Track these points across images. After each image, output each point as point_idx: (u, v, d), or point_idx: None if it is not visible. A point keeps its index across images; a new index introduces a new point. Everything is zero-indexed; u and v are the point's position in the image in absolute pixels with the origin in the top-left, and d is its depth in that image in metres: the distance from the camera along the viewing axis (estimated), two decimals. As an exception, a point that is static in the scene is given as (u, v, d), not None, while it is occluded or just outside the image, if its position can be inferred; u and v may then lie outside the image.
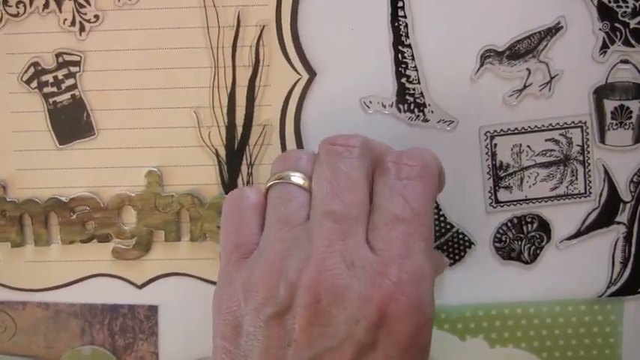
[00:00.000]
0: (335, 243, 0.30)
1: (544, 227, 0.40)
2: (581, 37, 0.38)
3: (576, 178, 0.39)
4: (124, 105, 0.39)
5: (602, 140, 0.39)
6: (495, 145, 0.39)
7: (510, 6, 0.37)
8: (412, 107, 0.38)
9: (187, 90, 0.38)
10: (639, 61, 0.38)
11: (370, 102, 0.38)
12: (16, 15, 0.38)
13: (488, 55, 0.38)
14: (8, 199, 0.40)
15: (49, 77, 0.38)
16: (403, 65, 0.38)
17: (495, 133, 0.39)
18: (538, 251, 0.40)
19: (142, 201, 0.40)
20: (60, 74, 0.38)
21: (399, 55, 0.38)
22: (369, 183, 0.32)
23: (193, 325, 0.41)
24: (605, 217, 0.40)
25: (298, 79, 0.38)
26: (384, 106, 0.39)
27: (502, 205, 0.40)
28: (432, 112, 0.38)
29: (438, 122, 0.39)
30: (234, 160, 0.39)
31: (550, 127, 0.39)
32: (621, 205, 0.40)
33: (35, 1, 0.38)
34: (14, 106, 0.39)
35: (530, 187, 0.39)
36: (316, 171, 0.33)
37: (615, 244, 0.40)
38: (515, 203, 0.40)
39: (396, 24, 0.38)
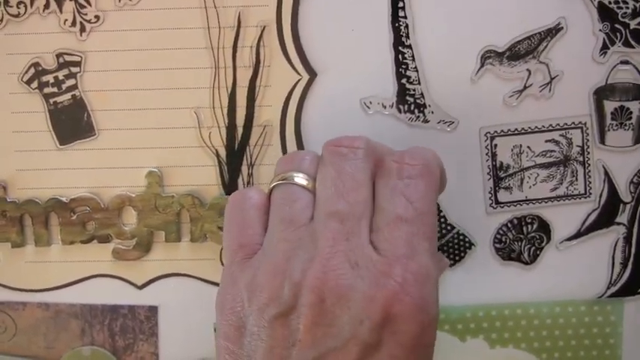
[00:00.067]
0: (339, 243, 0.30)
1: (544, 228, 0.40)
2: (582, 38, 0.38)
3: (576, 179, 0.39)
4: (125, 105, 0.39)
5: (602, 141, 0.39)
6: (495, 145, 0.39)
7: (511, 7, 0.37)
8: (412, 108, 0.38)
9: (188, 90, 0.38)
10: (639, 62, 0.38)
11: (370, 102, 0.39)
12: (17, 15, 0.38)
13: (489, 56, 0.38)
14: (9, 200, 0.40)
15: (50, 77, 0.38)
16: (403, 66, 0.38)
17: (495, 134, 0.39)
18: (538, 252, 0.40)
19: (143, 201, 0.40)
20: (60, 75, 0.38)
21: (400, 56, 0.38)
22: (372, 184, 0.32)
23: (193, 325, 0.41)
24: (605, 218, 0.40)
25: (299, 80, 0.38)
26: (385, 107, 0.39)
27: (502, 205, 0.40)
28: (433, 112, 0.39)
29: (439, 123, 0.39)
30: (234, 160, 0.39)
31: (550, 127, 0.39)
32: (621, 205, 0.40)
33: (36, 1, 0.38)
34: (15, 107, 0.39)
35: (530, 187, 0.39)
36: (321, 172, 0.33)
37: (615, 245, 0.40)
38: (515, 204, 0.40)
39: (397, 24, 0.38)
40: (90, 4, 0.38)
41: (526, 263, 0.40)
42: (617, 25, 0.38)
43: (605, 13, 0.37)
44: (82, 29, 0.38)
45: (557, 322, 0.41)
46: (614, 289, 0.41)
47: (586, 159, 0.39)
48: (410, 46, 0.38)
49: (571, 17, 0.37)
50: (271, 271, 0.31)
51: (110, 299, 0.41)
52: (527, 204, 0.40)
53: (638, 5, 0.37)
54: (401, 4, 0.37)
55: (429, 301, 0.30)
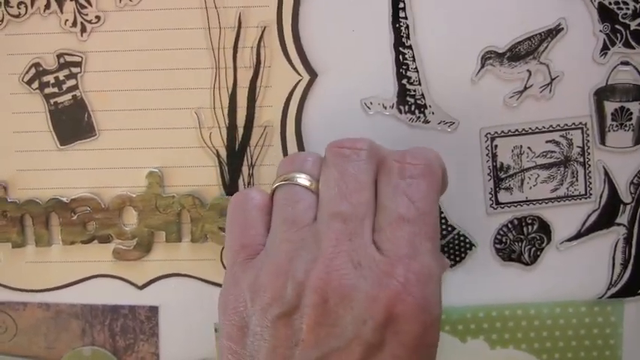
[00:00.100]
0: (342, 243, 0.30)
1: (544, 228, 0.40)
2: (582, 39, 0.38)
3: (577, 180, 0.40)
4: (125, 106, 0.39)
5: (603, 142, 0.39)
6: (496, 146, 0.39)
7: (511, 7, 0.37)
8: (413, 108, 0.38)
9: (188, 91, 0.38)
10: (639, 62, 0.38)
11: (371, 103, 0.39)
12: (18, 16, 0.38)
13: (489, 57, 0.38)
14: (9, 200, 0.40)
15: (50, 78, 0.38)
16: (404, 66, 0.38)
17: (496, 135, 0.39)
18: (538, 252, 0.40)
19: (143, 202, 0.40)
20: (61, 75, 0.38)
21: (400, 57, 0.38)
22: (374, 184, 0.32)
23: (194, 325, 0.41)
24: (605, 219, 0.40)
25: (299, 80, 0.38)
26: (385, 108, 0.39)
27: (502, 206, 0.40)
28: (433, 113, 0.39)
29: (439, 123, 0.39)
30: (235, 161, 0.39)
31: (550, 128, 0.39)
32: (621, 206, 0.40)
33: (36, 1, 0.38)
34: (15, 107, 0.39)
35: (530, 188, 0.40)
36: (324, 173, 0.33)
37: (615, 246, 0.40)
38: (515, 204, 0.40)
39: (397, 25, 0.38)
40: (91, 5, 0.38)
41: (526, 264, 0.40)
42: (617, 26, 0.38)
43: (606, 14, 0.37)
44: (83, 29, 0.38)
45: (558, 323, 0.41)
46: (614, 290, 0.41)
47: (586, 160, 0.39)
48: (410, 47, 0.38)
49: (571, 18, 0.37)
50: (274, 272, 0.31)
51: (111, 299, 0.41)
52: (528, 205, 0.40)
53: (638, 6, 0.37)
54: (401, 5, 0.37)
55: (432, 301, 0.30)
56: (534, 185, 0.39)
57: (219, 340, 0.32)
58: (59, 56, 0.38)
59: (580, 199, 0.40)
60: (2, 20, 0.38)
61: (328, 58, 0.38)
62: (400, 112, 0.39)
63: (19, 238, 0.40)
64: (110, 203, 0.40)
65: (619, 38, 0.38)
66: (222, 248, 0.40)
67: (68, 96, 0.39)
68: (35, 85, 0.39)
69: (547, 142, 0.39)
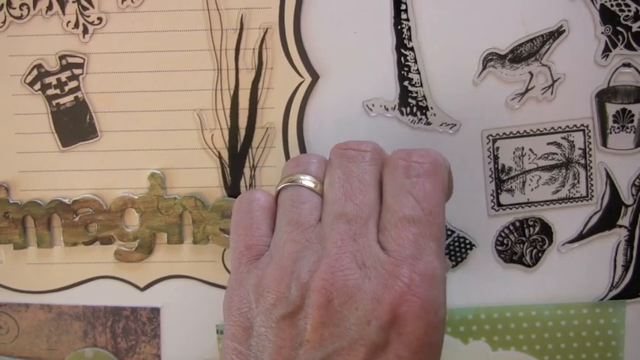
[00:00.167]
0: (347, 244, 0.30)
1: (546, 230, 0.40)
2: (584, 41, 0.38)
3: (578, 182, 0.40)
4: (127, 107, 0.39)
5: (604, 144, 0.39)
6: (497, 148, 0.39)
7: (513, 9, 0.37)
8: (415, 110, 0.38)
9: (190, 92, 0.38)
10: (641, 64, 0.38)
11: (373, 105, 0.39)
12: (20, 17, 0.38)
13: (491, 59, 0.38)
14: (11, 201, 0.40)
15: (53, 79, 0.39)
16: (406, 68, 0.38)
17: (497, 137, 0.39)
18: (540, 254, 0.40)
19: (145, 203, 0.40)
20: (63, 76, 0.38)
21: (402, 58, 0.38)
22: (379, 185, 0.32)
23: (196, 327, 0.41)
24: (606, 221, 0.40)
25: (301, 82, 0.38)
26: (387, 109, 0.39)
27: (504, 208, 0.40)
28: (435, 115, 0.39)
29: (441, 125, 0.39)
30: (237, 162, 0.39)
31: (552, 130, 0.39)
32: (623, 208, 0.40)
33: (39, 3, 0.38)
34: (17, 108, 0.39)
35: (532, 190, 0.40)
36: (329, 174, 0.33)
37: (617, 248, 0.40)
38: (517, 206, 0.40)
39: (399, 27, 0.38)
40: (93, 6, 0.38)
41: (528, 266, 0.40)
42: (619, 28, 0.38)
43: (607, 16, 0.37)
44: (85, 31, 0.38)
45: (559, 325, 0.41)
46: (616, 292, 0.41)
47: (588, 162, 0.39)
48: (412, 49, 0.38)
49: (573, 20, 0.37)
50: (278, 272, 0.31)
51: (112, 301, 0.41)
52: (529, 206, 0.40)
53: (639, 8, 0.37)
54: (403, 7, 0.37)
55: (436, 302, 0.30)
56: (536, 187, 0.39)
57: (223, 341, 0.32)
58: (61, 58, 0.38)
59: (581, 200, 0.40)
60: (4, 22, 0.38)
61: (330, 59, 0.38)
62: (402, 113, 0.39)
63: (21, 239, 0.40)
64: (112, 205, 0.40)
65: (621, 40, 0.38)
66: (224, 250, 0.40)
67: (70, 97, 0.39)
68: (37, 86, 0.39)
69: (549, 144, 0.39)
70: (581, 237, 0.40)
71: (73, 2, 0.38)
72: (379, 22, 0.38)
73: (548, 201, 0.40)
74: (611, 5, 0.37)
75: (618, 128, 0.39)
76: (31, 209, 0.40)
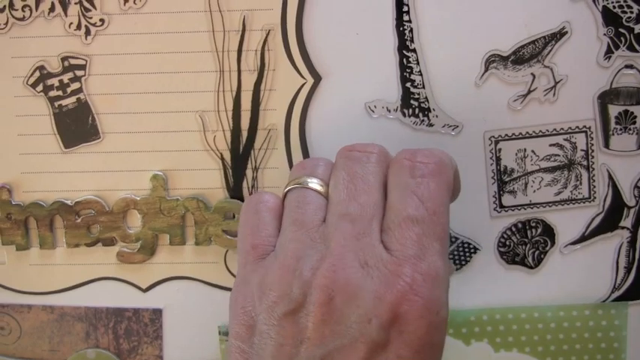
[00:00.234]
0: (350, 243, 0.30)
1: (548, 232, 0.40)
2: (586, 42, 0.38)
3: (580, 183, 0.40)
4: (130, 109, 0.39)
5: (607, 145, 0.39)
6: (500, 149, 0.39)
7: (515, 11, 0.37)
8: (417, 112, 0.38)
9: (193, 94, 0.38)
10: (644, 66, 0.38)
11: (375, 106, 0.39)
12: (22, 19, 0.38)
13: (493, 60, 0.38)
14: (13, 203, 0.40)
15: (55, 81, 0.39)
16: (408, 70, 0.38)
17: (500, 138, 0.39)
18: (542, 256, 0.40)
19: (147, 205, 0.40)
20: (65, 78, 0.38)
21: (404, 60, 0.38)
22: (384, 186, 0.32)
23: (198, 328, 0.41)
24: (609, 222, 0.40)
25: (303, 84, 0.38)
26: (389, 111, 0.39)
27: (506, 209, 0.40)
28: (437, 116, 0.39)
29: (443, 127, 0.39)
30: (239, 164, 0.39)
31: (554, 132, 0.39)
32: (625, 210, 0.40)
33: (41, 4, 0.38)
34: (20, 110, 0.39)
35: (534, 191, 0.40)
36: (334, 176, 0.33)
37: (619, 249, 0.40)
38: (519, 208, 0.40)
39: (401, 28, 0.38)
40: (95, 8, 0.38)
41: (530, 267, 0.40)
42: (621, 30, 0.38)
43: (610, 18, 0.37)
44: (87, 32, 0.38)
45: (562, 326, 0.41)
46: (618, 293, 0.41)
47: (590, 163, 0.39)
48: (414, 50, 0.38)
49: (575, 21, 0.37)
50: (281, 270, 0.31)
51: (115, 302, 0.41)
52: (532, 208, 0.40)
53: (642, 10, 0.37)
54: (405, 8, 0.37)
55: (438, 302, 0.30)
56: (538, 188, 0.39)
57: (229, 340, 0.32)
58: (63, 59, 0.38)
59: (584, 202, 0.40)
60: (7, 23, 0.38)
61: (332, 61, 0.38)
62: (404, 115, 0.39)
63: (24, 240, 0.40)
64: (114, 206, 0.40)
65: (623, 42, 0.38)
66: (227, 251, 0.40)
67: (72, 99, 0.39)
68: (39, 88, 0.39)
69: (551, 145, 0.39)
70: (583, 238, 0.40)
71: (76, 4, 0.38)
72: (381, 24, 0.38)
73: (550, 202, 0.40)
74: (614, 7, 0.37)
75: (621, 130, 0.39)
76: (33, 210, 0.40)
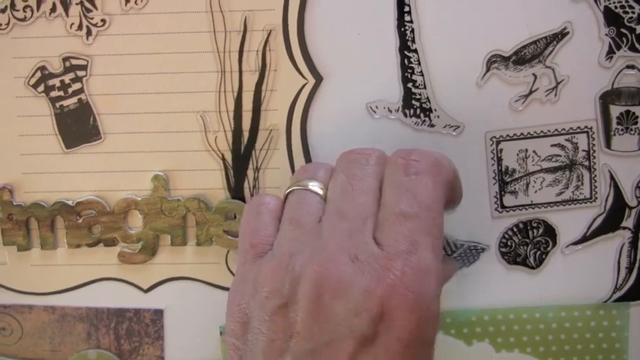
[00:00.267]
0: (342, 240, 0.30)
1: (550, 232, 0.40)
2: (588, 43, 0.38)
3: (582, 184, 0.39)
4: (131, 109, 0.39)
5: (608, 145, 0.39)
6: (501, 150, 0.39)
7: (516, 11, 0.37)
8: (418, 112, 0.38)
9: (194, 94, 0.38)
10: (645, 66, 0.38)
11: (376, 107, 0.39)
12: (23, 19, 0.38)
13: (495, 61, 0.38)
14: (15, 203, 0.40)
15: (56, 81, 0.39)
16: (409, 70, 0.38)
17: (501, 139, 0.39)
18: (544, 256, 0.40)
19: (148, 205, 0.40)
20: (67, 78, 0.38)
21: (406, 60, 0.38)
22: (381, 186, 0.33)
23: (199, 329, 0.41)
24: (610, 223, 0.40)
25: (305, 84, 0.38)
26: (390, 111, 0.39)
27: (508, 210, 0.40)
28: (438, 117, 0.39)
29: (444, 127, 0.39)
30: (240, 164, 0.39)
31: (556, 132, 0.39)
32: (627, 210, 0.40)
33: (42, 5, 0.38)
34: (21, 110, 0.39)
35: (535, 192, 0.39)
36: (333, 178, 0.34)
37: (621, 250, 0.40)
38: (520, 208, 0.40)
39: (403, 29, 0.38)
40: (96, 8, 0.38)
41: (532, 267, 0.40)
42: (622, 30, 0.38)
43: (611, 18, 0.37)
44: (89, 33, 0.38)
45: (563, 327, 0.41)
46: (619, 294, 0.41)
47: (592, 163, 0.39)
48: (416, 51, 0.38)
49: (577, 22, 0.37)
50: (274, 267, 0.31)
51: (116, 302, 0.41)
52: (533, 208, 0.40)
53: (644, 10, 0.37)
54: (407, 9, 0.37)
55: (429, 297, 0.30)
56: (540, 189, 0.39)
57: (225, 338, 0.32)
58: (65, 59, 0.38)
59: (585, 202, 0.40)
60: (8, 23, 0.38)
61: (334, 61, 0.38)
62: (405, 115, 0.39)
63: (25, 241, 0.40)
64: (115, 206, 0.40)
65: (624, 42, 0.38)
66: (228, 252, 0.40)
67: (74, 99, 0.39)
68: (41, 88, 0.39)
69: (552, 145, 0.39)
70: (584, 239, 0.40)
71: (77, 4, 0.38)
72: (383, 24, 0.38)
73: (551, 203, 0.40)
74: (615, 7, 0.37)
75: (622, 130, 0.39)
76: (34, 211, 0.40)
